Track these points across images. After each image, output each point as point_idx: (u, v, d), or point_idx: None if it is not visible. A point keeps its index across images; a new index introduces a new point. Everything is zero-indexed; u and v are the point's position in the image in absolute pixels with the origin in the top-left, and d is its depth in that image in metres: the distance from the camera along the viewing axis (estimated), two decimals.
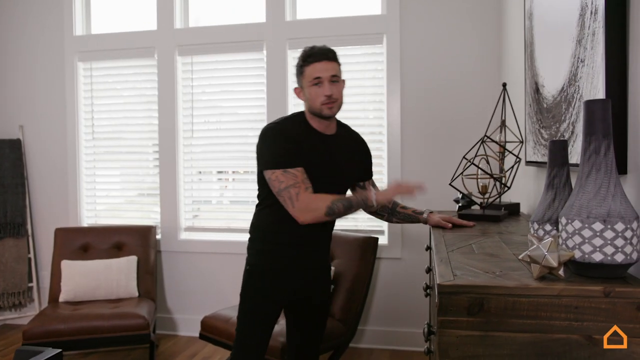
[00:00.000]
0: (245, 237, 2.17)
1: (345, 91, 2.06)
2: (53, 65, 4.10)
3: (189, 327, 3.93)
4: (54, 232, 3.69)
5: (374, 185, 2.26)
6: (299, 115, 2.04)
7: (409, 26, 3.53)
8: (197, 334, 3.83)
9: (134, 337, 3.06)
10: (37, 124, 4.15)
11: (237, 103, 3.88)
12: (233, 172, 4.00)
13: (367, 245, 3.08)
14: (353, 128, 2.23)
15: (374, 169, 2.33)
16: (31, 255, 4.11)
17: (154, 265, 3.66)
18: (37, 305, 4.11)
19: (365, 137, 2.28)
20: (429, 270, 2.09)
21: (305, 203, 1.86)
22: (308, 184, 1.90)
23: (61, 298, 3.36)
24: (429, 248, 2.50)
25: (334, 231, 2.24)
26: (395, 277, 3.60)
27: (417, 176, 3.48)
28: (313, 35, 3.61)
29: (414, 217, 2.21)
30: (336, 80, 1.96)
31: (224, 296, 3.84)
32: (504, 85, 2.45)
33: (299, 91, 2.03)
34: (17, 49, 4.16)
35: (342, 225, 3.64)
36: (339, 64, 2.00)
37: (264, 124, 3.75)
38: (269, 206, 2.02)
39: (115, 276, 3.43)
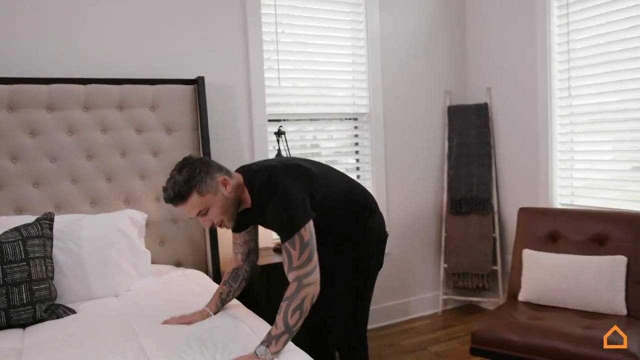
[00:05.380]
0: None
1: None
2: (522, 10, 3.40)
3: None
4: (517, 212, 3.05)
5: (286, 251, 1.71)
6: None
7: None
8: None
9: None
10: (505, 84, 3.57)
11: None
12: None
13: None
14: None
15: None
16: (496, 235, 3.63)
17: None
18: (500, 292, 3.61)
19: None
20: None
21: None
22: (236, 249, 2.04)
23: (520, 296, 2.68)
24: None
25: None
26: None
27: None
28: None
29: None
30: (204, 211, 1.74)
31: None
32: None
33: None
34: (487, 4, 3.68)
35: None
36: (197, 192, 1.71)
37: None
38: None
39: (593, 281, 2.48)
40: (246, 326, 1.80)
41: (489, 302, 3.77)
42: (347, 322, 2.04)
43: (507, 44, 3.52)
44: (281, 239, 1.71)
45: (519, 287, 2.74)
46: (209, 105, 2.91)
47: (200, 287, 2.34)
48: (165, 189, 1.71)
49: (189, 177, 1.69)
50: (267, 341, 1.56)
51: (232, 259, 2.06)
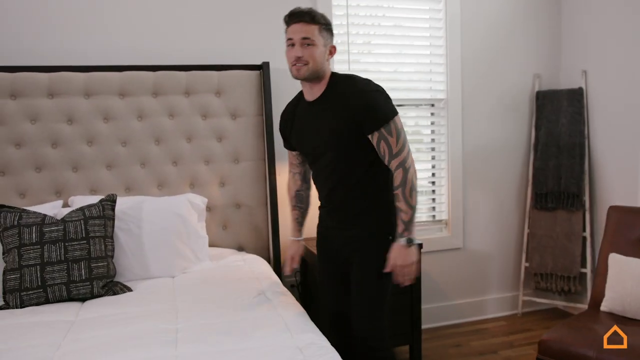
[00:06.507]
0: None
1: None
2: None
3: None
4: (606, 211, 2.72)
5: (384, 140, 1.78)
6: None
7: None
8: None
9: None
10: (605, 67, 3.18)
11: None
12: None
13: None
14: None
15: None
16: (587, 234, 3.28)
17: None
18: (588, 297, 3.27)
19: None
20: None
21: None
22: (294, 169, 2.14)
23: (603, 305, 2.40)
24: None
25: None
26: None
27: None
28: None
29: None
30: (310, 43, 1.80)
31: None
32: None
33: None
34: None
35: None
36: (320, 28, 1.82)
37: None
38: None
39: None
40: (282, 318, 1.77)
41: (576, 308, 3.44)
42: (370, 315, 1.88)
43: (608, 21, 3.12)
44: (373, 126, 1.76)
45: (602, 295, 2.45)
46: (275, 90, 2.88)
47: (254, 272, 2.35)
48: (300, 7, 1.82)
49: (324, 17, 1.84)
50: (406, 229, 1.78)
51: (290, 182, 2.16)
